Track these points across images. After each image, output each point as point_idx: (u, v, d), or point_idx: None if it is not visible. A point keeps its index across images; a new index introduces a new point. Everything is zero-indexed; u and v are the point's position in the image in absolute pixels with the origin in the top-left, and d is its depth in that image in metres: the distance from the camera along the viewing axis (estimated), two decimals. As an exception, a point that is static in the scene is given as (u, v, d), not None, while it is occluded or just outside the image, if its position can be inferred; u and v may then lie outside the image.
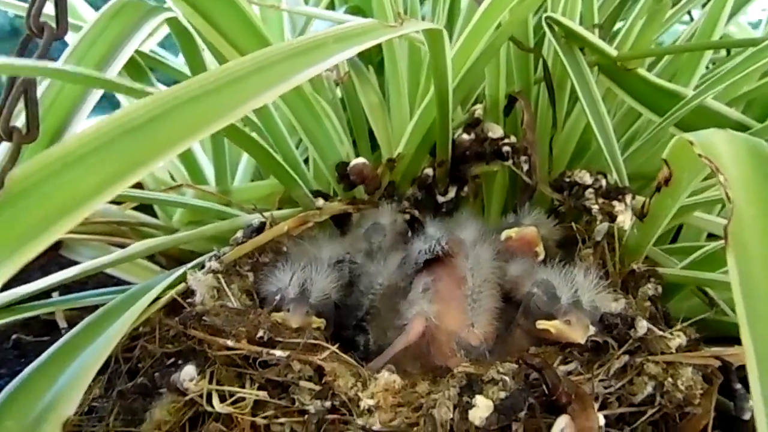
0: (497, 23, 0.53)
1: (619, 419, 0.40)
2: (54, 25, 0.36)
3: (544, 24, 0.55)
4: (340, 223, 0.62)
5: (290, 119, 0.58)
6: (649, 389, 0.40)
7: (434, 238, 0.48)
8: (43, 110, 0.36)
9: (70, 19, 0.38)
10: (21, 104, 0.35)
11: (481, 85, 0.62)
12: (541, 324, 0.40)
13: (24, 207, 0.22)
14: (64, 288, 0.56)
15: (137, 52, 0.43)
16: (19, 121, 0.36)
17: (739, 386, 0.41)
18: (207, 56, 0.56)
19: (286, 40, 0.73)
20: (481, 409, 0.36)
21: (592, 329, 0.41)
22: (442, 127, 0.56)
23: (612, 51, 0.55)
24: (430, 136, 0.60)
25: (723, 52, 0.72)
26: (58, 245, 0.64)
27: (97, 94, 0.37)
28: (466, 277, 0.44)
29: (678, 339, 0.42)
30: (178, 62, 0.73)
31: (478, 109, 0.61)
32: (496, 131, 0.58)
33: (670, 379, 0.40)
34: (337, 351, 0.40)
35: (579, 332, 0.39)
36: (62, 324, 0.60)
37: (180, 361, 0.45)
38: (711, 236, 0.60)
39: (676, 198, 0.44)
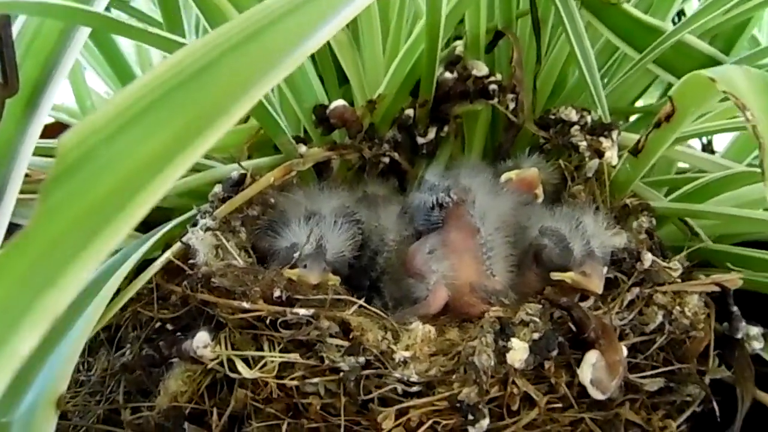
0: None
1: (631, 348, 0.42)
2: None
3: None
4: (320, 170, 0.59)
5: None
6: (659, 318, 0.42)
7: (438, 188, 0.46)
8: (20, 55, 0.31)
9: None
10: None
11: (458, 21, 0.60)
12: (556, 276, 0.41)
13: (88, 178, 0.19)
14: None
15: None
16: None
17: (735, 308, 0.44)
18: None
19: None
20: (519, 351, 0.37)
21: (606, 270, 0.41)
22: (429, 65, 0.54)
23: (598, -16, 0.55)
24: (411, 75, 0.57)
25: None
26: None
27: (84, 32, 0.32)
28: (478, 226, 0.44)
29: (679, 269, 0.44)
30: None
31: (459, 46, 0.59)
32: (481, 69, 0.56)
33: (678, 307, 0.42)
34: (364, 304, 0.39)
35: (596, 282, 0.39)
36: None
37: (181, 328, 0.42)
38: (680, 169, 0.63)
39: (674, 132, 0.45)
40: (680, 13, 0.75)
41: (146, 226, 0.53)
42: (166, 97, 0.21)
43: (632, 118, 0.69)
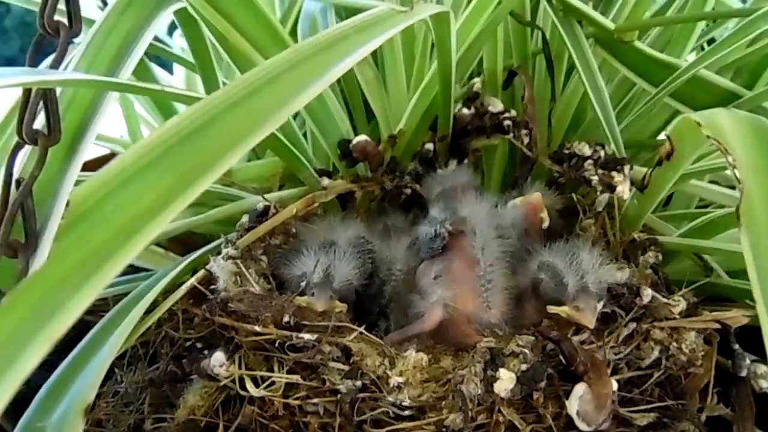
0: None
1: (627, 382, 0.43)
2: (67, 23, 0.35)
3: (542, -1, 0.55)
4: (344, 201, 0.63)
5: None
6: (655, 354, 0.42)
7: (438, 220, 0.48)
8: (62, 109, 0.36)
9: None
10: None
11: (477, 58, 0.63)
12: (551, 309, 0.42)
13: (89, 228, 0.23)
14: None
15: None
16: (37, 122, 0.36)
17: (737, 346, 0.44)
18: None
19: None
20: (505, 381, 0.38)
21: (600, 305, 0.43)
22: (444, 102, 0.57)
23: (609, 23, 0.56)
24: (430, 111, 0.60)
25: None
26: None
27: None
28: (478, 257, 0.46)
29: (680, 305, 0.45)
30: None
31: (477, 83, 0.61)
32: (496, 105, 0.59)
33: (674, 343, 0.43)
34: (364, 332, 0.42)
35: (588, 317, 0.41)
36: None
37: (205, 348, 0.46)
38: (702, 201, 0.63)
39: (676, 171, 0.46)
40: (712, 41, 0.75)
41: (186, 249, 0.59)
42: (161, 158, 0.25)
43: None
